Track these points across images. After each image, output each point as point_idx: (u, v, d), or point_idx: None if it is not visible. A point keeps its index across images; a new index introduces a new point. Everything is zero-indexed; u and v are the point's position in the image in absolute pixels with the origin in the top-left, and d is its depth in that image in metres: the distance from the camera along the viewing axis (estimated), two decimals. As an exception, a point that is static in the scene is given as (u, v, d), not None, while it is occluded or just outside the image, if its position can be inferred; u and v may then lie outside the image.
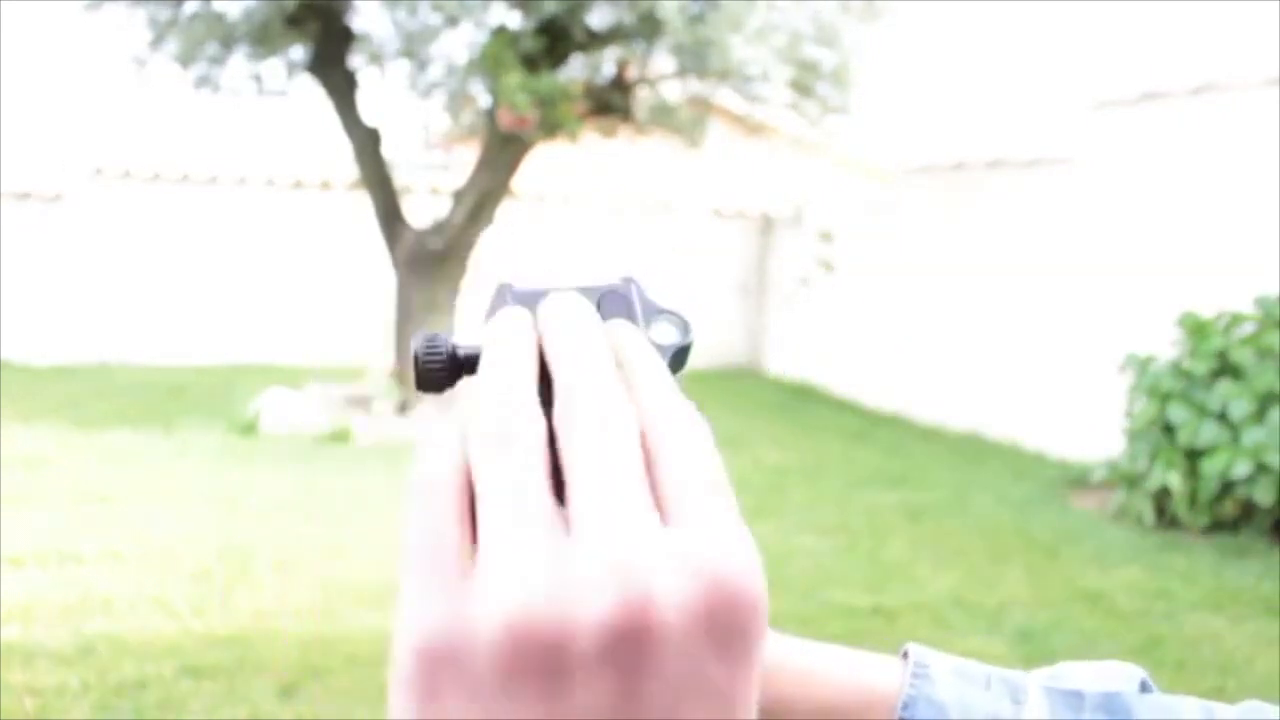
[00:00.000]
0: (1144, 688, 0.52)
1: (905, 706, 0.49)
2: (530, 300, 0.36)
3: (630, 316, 0.38)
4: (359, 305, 10.51)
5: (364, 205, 8.26)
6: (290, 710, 3.24)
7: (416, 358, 0.38)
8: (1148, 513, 5.62)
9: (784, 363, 11.04)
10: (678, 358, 0.38)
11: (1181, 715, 0.50)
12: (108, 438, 6.84)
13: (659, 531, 0.28)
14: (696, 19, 6.92)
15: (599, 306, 0.38)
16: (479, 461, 0.30)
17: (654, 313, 0.39)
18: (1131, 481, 5.80)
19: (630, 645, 0.26)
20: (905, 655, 0.52)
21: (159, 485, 5.75)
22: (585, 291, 0.38)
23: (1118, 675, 0.52)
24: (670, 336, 0.38)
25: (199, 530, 4.93)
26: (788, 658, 0.50)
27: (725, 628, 0.27)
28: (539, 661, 0.26)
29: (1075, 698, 0.51)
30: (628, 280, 0.40)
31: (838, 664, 0.51)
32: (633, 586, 0.26)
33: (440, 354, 0.37)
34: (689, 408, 0.32)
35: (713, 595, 0.27)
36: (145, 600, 4.01)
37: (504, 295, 0.37)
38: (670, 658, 0.27)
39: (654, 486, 0.29)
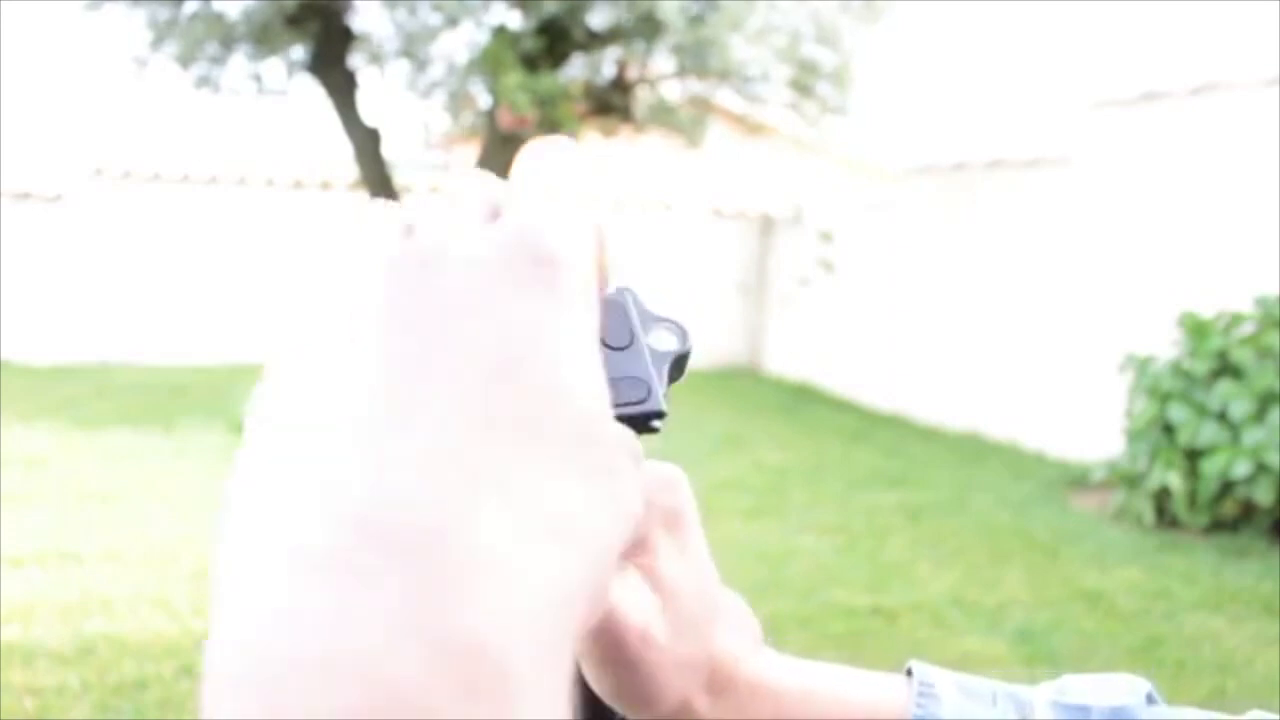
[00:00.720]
0: (1150, 700, 0.51)
1: None
2: None
3: (628, 324, 0.38)
4: (359, 305, 10.50)
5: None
6: (290, 710, 3.24)
7: None
8: (1148, 513, 5.62)
9: (784, 363, 11.04)
10: (677, 365, 0.38)
11: None
12: (108, 438, 6.85)
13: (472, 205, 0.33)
14: (696, 19, 6.93)
15: None
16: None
17: (652, 320, 0.39)
18: (1131, 481, 5.80)
19: (411, 262, 0.29)
20: (909, 673, 0.51)
21: (159, 485, 5.74)
22: None
23: (1123, 688, 0.51)
24: (669, 344, 0.39)
25: (199, 530, 4.93)
26: (788, 677, 0.49)
27: (518, 261, 0.29)
28: (343, 288, 0.30)
29: (1082, 712, 0.50)
30: (623, 290, 0.39)
31: (841, 683, 0.50)
32: (426, 215, 0.31)
33: None
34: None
35: (502, 231, 0.30)
36: (145, 600, 4.01)
37: None
38: (449, 275, 0.29)
39: None
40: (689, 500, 0.47)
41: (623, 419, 0.34)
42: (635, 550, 0.44)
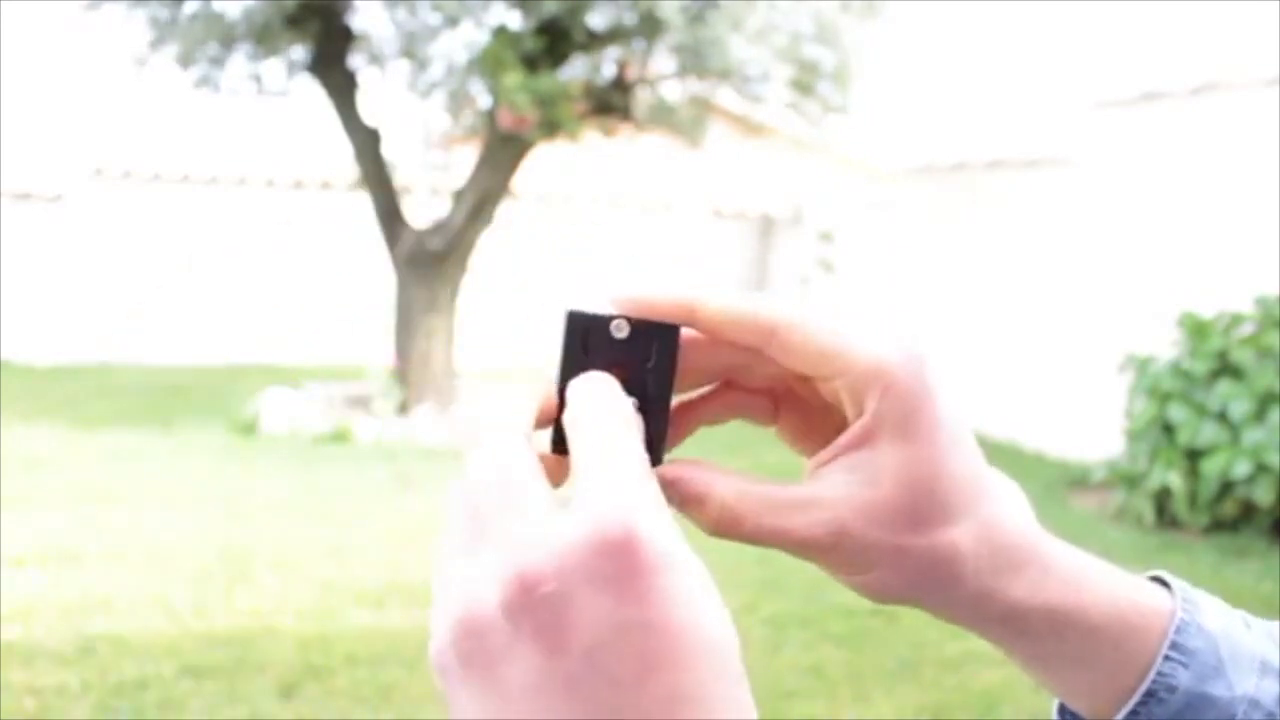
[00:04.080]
0: None
1: (1179, 630, 0.45)
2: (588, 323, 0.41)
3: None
4: (359, 305, 10.50)
5: (364, 205, 8.26)
6: (290, 710, 3.24)
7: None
8: (1148, 513, 5.62)
9: (784, 363, 11.03)
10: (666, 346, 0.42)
11: None
12: (108, 438, 6.84)
13: (545, 519, 0.33)
14: (696, 19, 6.92)
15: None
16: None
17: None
18: (1131, 481, 5.80)
19: (528, 616, 0.31)
20: (1157, 581, 0.48)
21: (159, 485, 5.74)
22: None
23: None
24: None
25: (199, 530, 4.93)
26: (1061, 561, 0.46)
27: (614, 573, 0.31)
28: (470, 653, 0.32)
29: None
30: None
31: (1107, 576, 0.46)
32: (518, 567, 0.32)
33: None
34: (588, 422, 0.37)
35: (588, 553, 0.31)
36: (145, 600, 4.01)
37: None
38: (573, 611, 0.31)
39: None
40: (915, 393, 0.42)
41: None
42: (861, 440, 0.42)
